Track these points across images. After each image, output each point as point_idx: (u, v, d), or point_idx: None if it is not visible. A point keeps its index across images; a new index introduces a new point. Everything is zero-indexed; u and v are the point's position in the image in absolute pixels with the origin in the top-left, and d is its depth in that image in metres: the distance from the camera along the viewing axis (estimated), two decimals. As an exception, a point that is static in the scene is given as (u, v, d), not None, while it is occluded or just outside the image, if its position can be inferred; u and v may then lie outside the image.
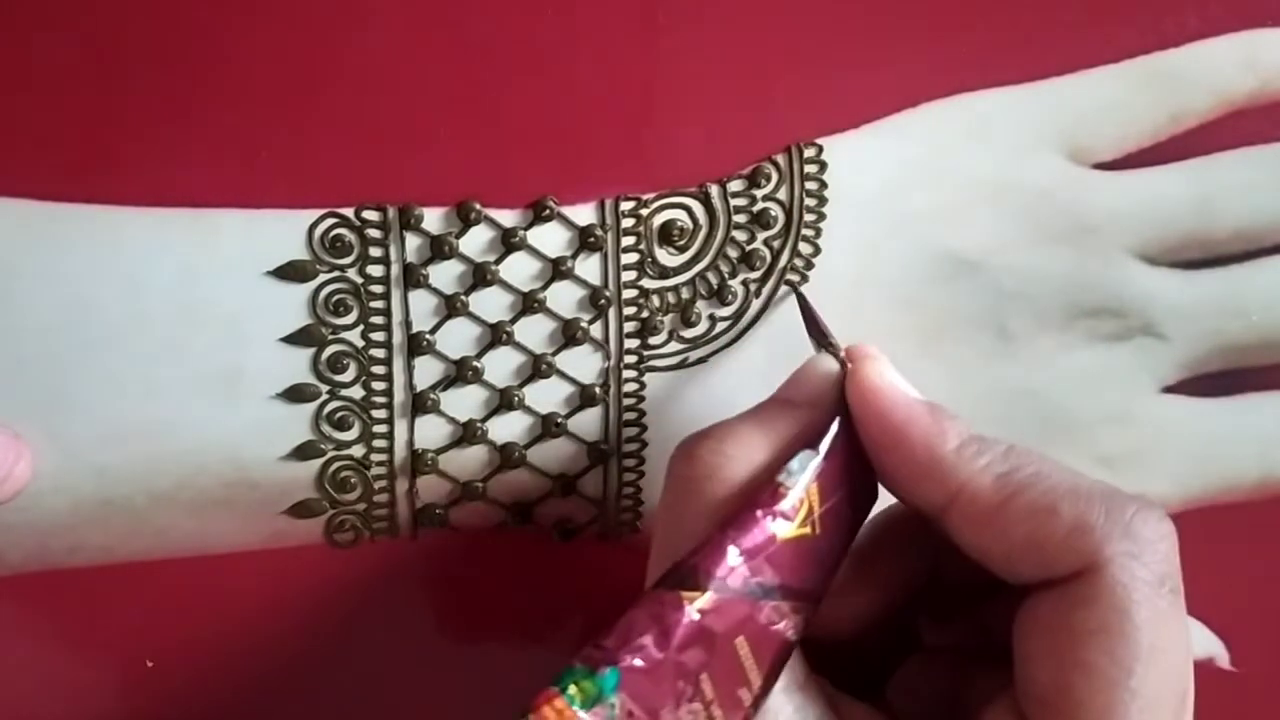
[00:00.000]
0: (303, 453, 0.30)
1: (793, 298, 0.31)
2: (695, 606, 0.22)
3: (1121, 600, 0.22)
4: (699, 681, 0.22)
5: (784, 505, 0.24)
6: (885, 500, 0.27)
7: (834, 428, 0.25)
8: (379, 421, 0.30)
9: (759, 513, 0.23)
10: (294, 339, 0.29)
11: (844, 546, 0.26)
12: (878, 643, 0.28)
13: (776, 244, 0.31)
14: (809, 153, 0.30)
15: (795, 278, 0.31)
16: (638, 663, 0.22)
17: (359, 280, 0.29)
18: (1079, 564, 0.23)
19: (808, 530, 0.24)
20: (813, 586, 0.24)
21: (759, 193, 0.31)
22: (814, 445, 0.25)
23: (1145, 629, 0.22)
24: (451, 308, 0.30)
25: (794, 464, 0.24)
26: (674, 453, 0.26)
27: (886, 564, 0.28)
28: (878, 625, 0.28)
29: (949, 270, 0.32)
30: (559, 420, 0.31)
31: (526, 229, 0.30)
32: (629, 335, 0.31)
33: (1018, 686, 0.24)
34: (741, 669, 0.23)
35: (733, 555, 0.23)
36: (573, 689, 0.21)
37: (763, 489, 0.24)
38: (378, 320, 0.30)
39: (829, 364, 0.27)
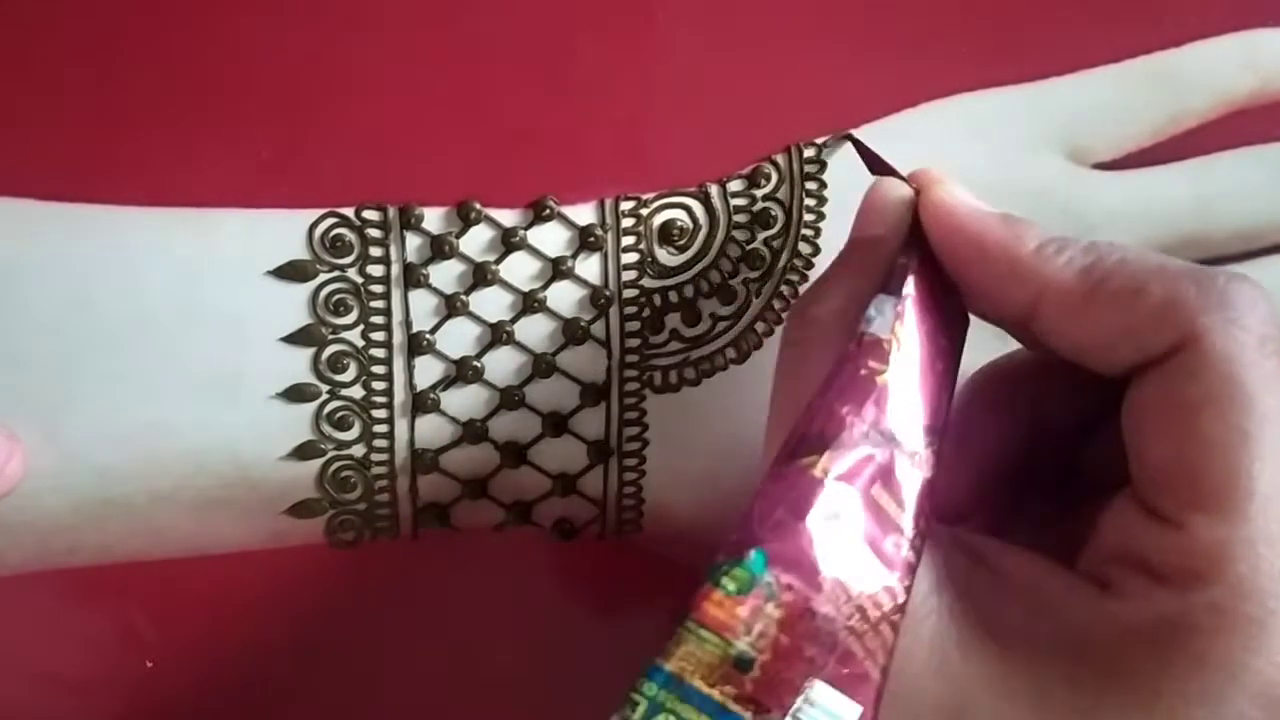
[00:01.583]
0: (303, 452, 0.30)
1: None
2: (819, 469, 0.22)
3: (1226, 366, 0.22)
4: None
5: (873, 351, 0.23)
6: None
7: (907, 264, 0.25)
8: (379, 421, 0.30)
9: (850, 365, 0.23)
10: (294, 339, 0.29)
11: (948, 373, 0.25)
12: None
13: (776, 244, 0.31)
14: (809, 153, 0.30)
15: (794, 279, 0.31)
16: (780, 537, 0.22)
17: (359, 280, 0.29)
18: (1176, 337, 0.22)
19: (906, 369, 0.24)
20: (930, 420, 0.24)
21: (759, 193, 0.31)
22: (889, 285, 0.25)
23: (1256, 391, 0.22)
24: (452, 307, 0.30)
25: (871, 310, 0.24)
26: (788, 317, 0.27)
27: (981, 434, 0.27)
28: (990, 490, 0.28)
29: (949, 270, 0.32)
30: (560, 420, 0.31)
31: (527, 229, 0.30)
32: (630, 335, 0.31)
33: (1134, 475, 0.23)
34: (888, 518, 0.23)
35: (839, 411, 0.23)
36: (725, 580, 0.21)
37: (850, 341, 0.24)
38: (378, 320, 0.30)
39: (897, 187, 0.27)
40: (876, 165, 0.29)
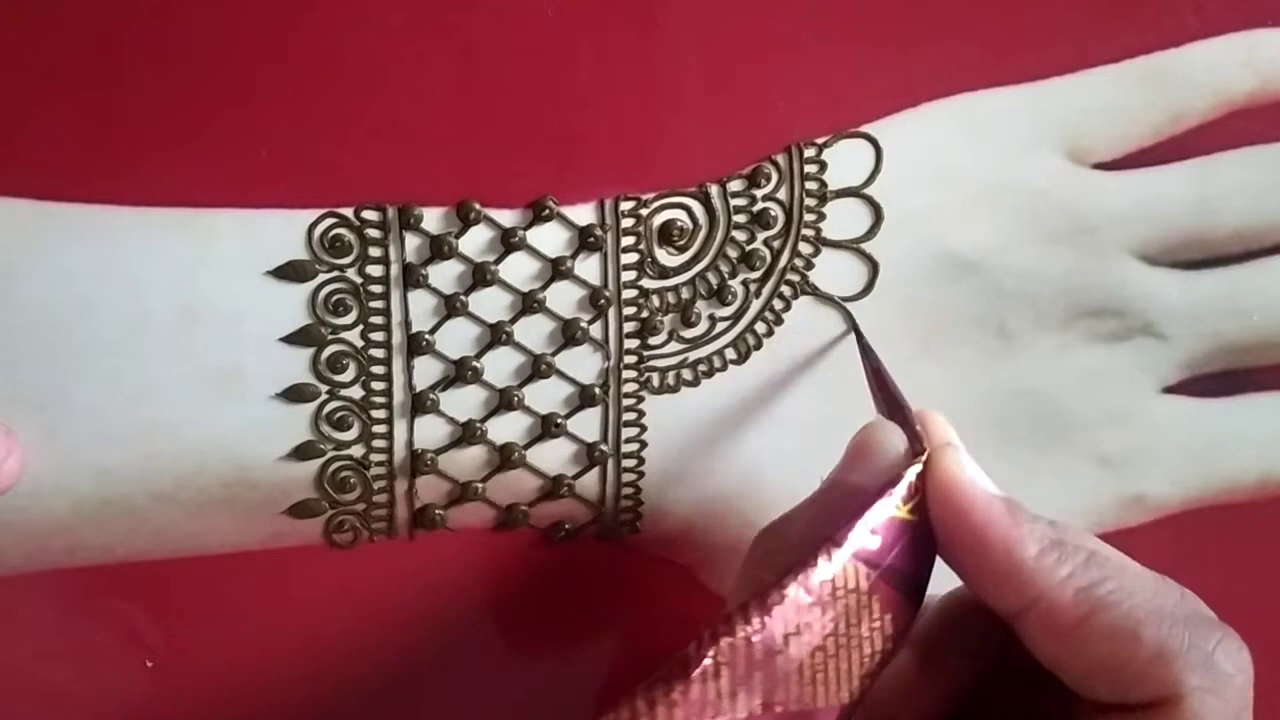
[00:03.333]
0: (302, 453, 0.30)
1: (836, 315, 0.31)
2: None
3: None
4: None
5: (814, 577, 0.23)
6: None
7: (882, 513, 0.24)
8: (378, 422, 0.30)
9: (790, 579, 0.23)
10: (293, 339, 0.29)
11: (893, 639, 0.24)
12: None
13: (776, 244, 0.31)
14: (809, 153, 0.30)
15: (794, 279, 0.31)
16: None
17: (358, 280, 0.29)
18: (1158, 693, 0.22)
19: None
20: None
21: (759, 193, 0.31)
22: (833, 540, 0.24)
23: None
24: (451, 308, 0.30)
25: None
26: (759, 536, 0.26)
27: (955, 659, 0.27)
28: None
29: (949, 270, 0.32)
30: (558, 421, 0.31)
31: (526, 229, 0.30)
32: (629, 335, 0.31)
33: None
34: None
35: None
36: None
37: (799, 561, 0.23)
38: (377, 320, 0.30)
39: (895, 440, 0.26)
40: (888, 399, 0.28)
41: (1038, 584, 0.24)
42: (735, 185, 0.30)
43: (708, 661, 0.22)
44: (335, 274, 0.29)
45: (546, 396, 0.31)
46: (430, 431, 0.30)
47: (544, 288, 0.30)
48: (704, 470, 0.32)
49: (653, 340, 0.31)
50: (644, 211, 0.30)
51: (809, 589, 0.23)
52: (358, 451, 0.30)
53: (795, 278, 0.31)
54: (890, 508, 0.24)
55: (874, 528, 0.24)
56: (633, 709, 0.21)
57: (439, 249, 0.29)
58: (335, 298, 0.29)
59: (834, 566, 0.23)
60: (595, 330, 0.31)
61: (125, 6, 0.27)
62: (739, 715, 0.22)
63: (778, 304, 0.31)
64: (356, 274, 0.29)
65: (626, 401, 0.31)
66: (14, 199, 0.27)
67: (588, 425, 0.31)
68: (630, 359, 0.31)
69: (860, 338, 0.31)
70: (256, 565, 0.31)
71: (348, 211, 0.29)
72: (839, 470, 0.26)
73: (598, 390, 0.31)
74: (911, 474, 0.25)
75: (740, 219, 0.31)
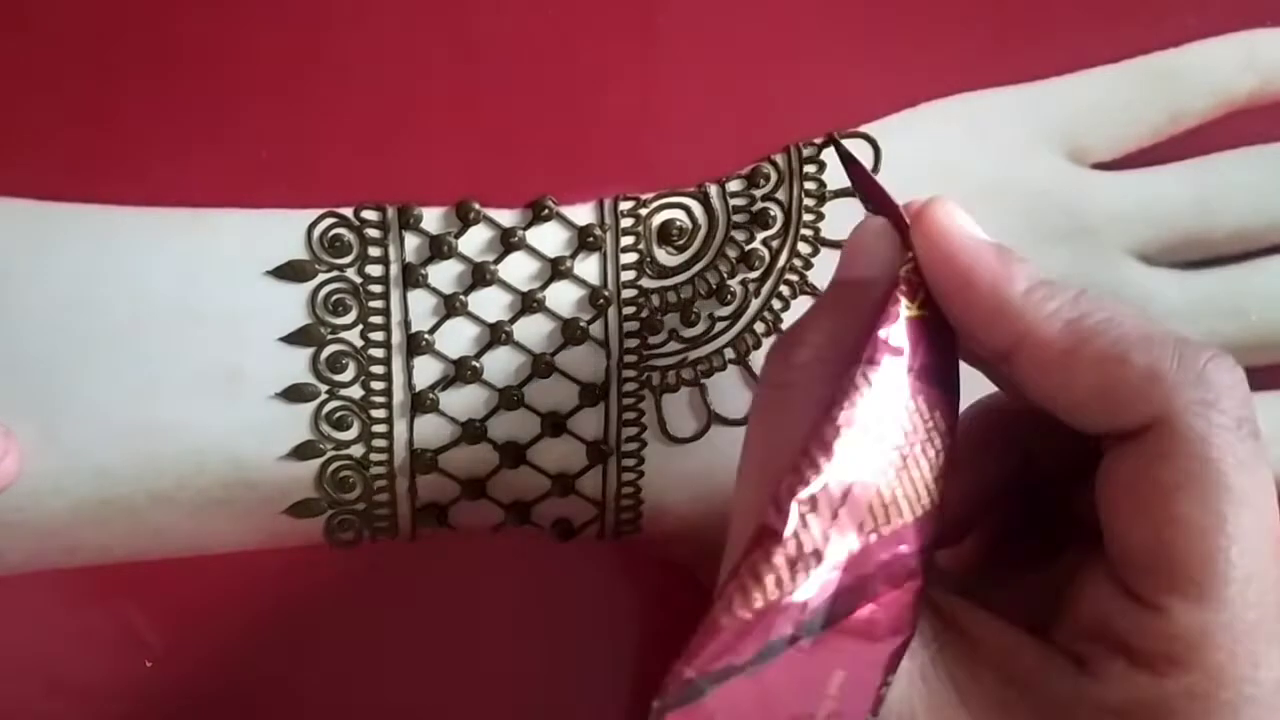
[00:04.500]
0: (302, 452, 0.30)
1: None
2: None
3: (1202, 449, 0.22)
4: None
5: (859, 400, 0.22)
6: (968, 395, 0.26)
7: (887, 336, 0.23)
8: (378, 421, 0.30)
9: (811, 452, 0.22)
10: (293, 339, 0.29)
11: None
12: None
13: (775, 244, 0.31)
14: (808, 153, 0.30)
15: (793, 279, 0.31)
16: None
17: (358, 280, 0.29)
18: (1151, 413, 0.22)
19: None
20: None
21: (758, 193, 0.31)
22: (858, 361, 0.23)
23: (1231, 474, 0.21)
24: (451, 307, 0.30)
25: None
26: (770, 356, 0.26)
27: (979, 463, 0.27)
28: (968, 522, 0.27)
29: (949, 270, 0.32)
30: (559, 420, 0.31)
31: (525, 229, 0.30)
32: (628, 335, 0.31)
33: (1110, 550, 0.23)
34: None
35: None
36: None
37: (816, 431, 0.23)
38: (377, 320, 0.30)
39: (882, 226, 0.25)
40: (870, 191, 0.28)
41: (1025, 318, 0.23)
42: (734, 185, 0.30)
43: (793, 518, 0.21)
44: (335, 274, 0.29)
45: (546, 396, 0.31)
46: (430, 431, 0.30)
47: (543, 287, 0.30)
48: (704, 470, 0.32)
49: (653, 339, 0.31)
50: (643, 211, 0.30)
51: (859, 412, 0.22)
52: (358, 451, 0.30)
53: (794, 277, 0.31)
54: (901, 311, 0.24)
55: (894, 336, 0.23)
56: (741, 585, 0.21)
57: (438, 249, 0.29)
58: (335, 297, 0.29)
59: (874, 384, 0.23)
60: (595, 330, 0.31)
61: (125, 7, 0.27)
62: (839, 560, 0.21)
63: (777, 304, 0.31)
64: (356, 274, 0.29)
65: (626, 401, 0.31)
66: (13, 199, 0.27)
67: (588, 424, 0.31)
68: (630, 358, 0.31)
69: (839, 147, 0.30)
70: (256, 565, 0.31)
71: (347, 211, 0.29)
72: (841, 271, 0.26)
73: (598, 389, 0.31)
74: (906, 270, 0.24)
75: (739, 219, 0.31)
